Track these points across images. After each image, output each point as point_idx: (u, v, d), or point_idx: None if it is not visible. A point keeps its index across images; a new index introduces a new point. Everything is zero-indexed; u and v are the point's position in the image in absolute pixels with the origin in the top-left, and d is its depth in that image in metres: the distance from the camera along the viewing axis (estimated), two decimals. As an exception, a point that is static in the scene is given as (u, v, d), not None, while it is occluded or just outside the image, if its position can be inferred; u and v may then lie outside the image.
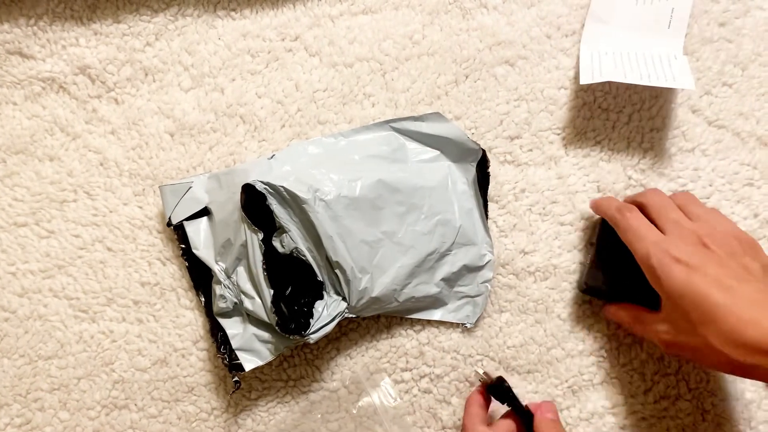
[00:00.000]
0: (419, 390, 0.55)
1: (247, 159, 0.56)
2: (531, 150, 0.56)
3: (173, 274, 0.55)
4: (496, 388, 0.50)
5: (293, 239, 0.49)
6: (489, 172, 0.55)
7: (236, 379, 0.50)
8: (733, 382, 0.54)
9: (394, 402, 0.54)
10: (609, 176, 0.56)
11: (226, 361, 0.51)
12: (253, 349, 0.51)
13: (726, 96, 0.57)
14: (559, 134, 0.57)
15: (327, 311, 0.50)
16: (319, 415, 0.54)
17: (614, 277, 0.51)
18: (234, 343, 0.51)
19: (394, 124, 0.55)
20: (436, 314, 0.55)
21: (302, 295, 0.51)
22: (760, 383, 0.54)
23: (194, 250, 0.52)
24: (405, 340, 0.55)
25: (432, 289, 0.53)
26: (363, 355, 0.55)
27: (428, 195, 0.53)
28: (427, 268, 0.53)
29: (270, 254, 0.49)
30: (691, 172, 0.56)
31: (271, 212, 0.49)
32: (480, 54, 0.57)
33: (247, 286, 0.50)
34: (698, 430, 0.54)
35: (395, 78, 0.57)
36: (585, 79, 0.53)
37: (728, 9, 0.57)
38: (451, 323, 0.55)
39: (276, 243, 0.50)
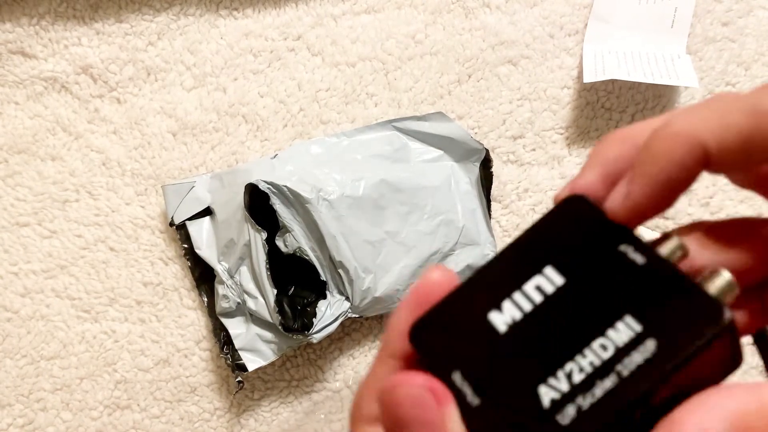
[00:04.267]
0: (422, 390, 0.55)
1: (249, 158, 0.56)
2: (534, 150, 0.56)
3: (176, 274, 0.55)
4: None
5: (296, 239, 0.49)
6: (492, 172, 0.55)
7: (239, 379, 0.50)
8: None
9: (397, 402, 0.54)
10: (612, 176, 0.56)
11: (229, 361, 0.50)
12: (256, 349, 0.51)
13: (729, 95, 0.57)
14: (562, 134, 0.56)
15: (330, 311, 0.50)
16: (323, 416, 0.54)
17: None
18: (237, 343, 0.51)
19: (396, 124, 0.55)
20: (439, 314, 0.54)
21: (305, 294, 0.51)
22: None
23: (197, 250, 0.52)
24: (408, 340, 0.55)
25: (435, 289, 0.53)
26: (366, 355, 0.55)
27: (431, 195, 0.52)
28: (430, 268, 0.52)
29: (273, 254, 0.49)
30: (694, 172, 0.56)
31: (274, 212, 0.49)
32: (483, 53, 0.57)
33: (250, 286, 0.50)
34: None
35: (398, 77, 0.56)
36: (588, 78, 0.53)
37: (731, 9, 0.57)
38: (454, 323, 0.55)
39: (279, 243, 0.50)
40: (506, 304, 0.19)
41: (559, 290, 0.19)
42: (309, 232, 0.50)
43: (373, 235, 0.50)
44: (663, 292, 0.17)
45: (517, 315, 0.19)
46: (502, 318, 0.19)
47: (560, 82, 0.57)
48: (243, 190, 0.49)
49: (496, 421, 0.17)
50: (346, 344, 0.55)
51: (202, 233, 0.53)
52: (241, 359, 0.50)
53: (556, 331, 0.18)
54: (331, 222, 0.48)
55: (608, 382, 0.17)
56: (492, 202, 0.56)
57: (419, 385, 0.17)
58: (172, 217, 0.53)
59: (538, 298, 0.19)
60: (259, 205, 0.49)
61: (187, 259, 0.53)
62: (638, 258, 0.18)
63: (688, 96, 0.56)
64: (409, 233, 0.51)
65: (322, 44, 0.57)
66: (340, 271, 0.49)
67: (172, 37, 0.57)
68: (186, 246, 0.53)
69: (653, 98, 0.56)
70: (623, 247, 0.18)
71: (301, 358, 0.55)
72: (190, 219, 0.53)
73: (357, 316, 0.51)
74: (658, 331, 0.17)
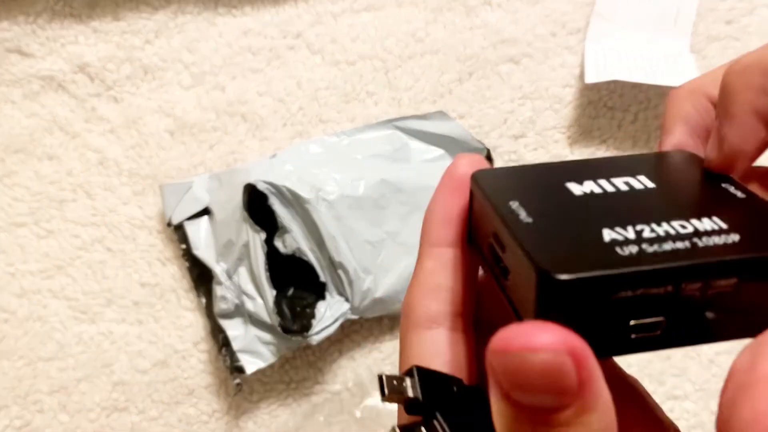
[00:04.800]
0: (423, 392, 0.54)
1: (248, 158, 0.55)
2: (536, 149, 0.56)
3: (174, 275, 0.55)
4: None
5: (295, 239, 0.49)
6: (493, 172, 0.54)
7: (238, 381, 0.50)
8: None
9: (398, 404, 0.53)
10: (614, 175, 0.55)
11: (227, 363, 0.50)
12: (255, 351, 0.50)
13: (732, 94, 0.56)
14: (564, 133, 0.56)
15: (329, 312, 0.49)
16: (322, 418, 0.53)
17: None
18: (235, 345, 0.50)
19: (397, 123, 0.54)
20: (440, 315, 0.54)
21: (304, 296, 0.50)
22: None
23: (195, 251, 0.52)
24: (408, 341, 0.54)
25: (436, 290, 0.52)
26: (366, 357, 0.54)
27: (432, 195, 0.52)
28: (430, 269, 0.52)
29: (272, 255, 0.49)
30: (697, 172, 0.55)
31: (273, 212, 0.48)
32: (484, 52, 0.56)
33: (249, 287, 0.49)
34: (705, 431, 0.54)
35: (398, 76, 0.56)
36: (590, 78, 0.52)
37: (734, 7, 0.57)
38: (455, 324, 0.54)
39: (278, 243, 0.49)
40: (588, 182, 0.18)
41: (648, 189, 0.17)
42: (308, 232, 0.49)
43: (373, 235, 0.50)
44: (759, 216, 0.16)
45: (597, 190, 0.17)
46: (580, 188, 0.17)
47: (562, 80, 0.56)
48: (242, 190, 0.48)
49: (545, 236, 0.15)
50: (346, 346, 0.54)
51: (200, 234, 0.52)
52: (240, 361, 0.50)
53: (635, 207, 0.17)
54: (331, 222, 0.48)
55: (680, 245, 0.15)
56: (493, 202, 0.55)
57: (555, 350, 0.12)
58: (169, 218, 0.52)
59: (623, 188, 0.17)
60: (258, 205, 0.49)
61: (185, 260, 0.53)
62: (739, 193, 0.17)
63: (691, 95, 0.56)
64: (410, 233, 0.51)
65: (322, 42, 0.56)
66: (340, 271, 0.49)
67: (170, 36, 0.56)
68: (184, 246, 0.52)
69: (656, 97, 0.56)
70: (725, 185, 0.18)
71: (301, 360, 0.54)
72: (188, 219, 0.52)
73: (357, 317, 0.51)
74: (744, 232, 0.16)
